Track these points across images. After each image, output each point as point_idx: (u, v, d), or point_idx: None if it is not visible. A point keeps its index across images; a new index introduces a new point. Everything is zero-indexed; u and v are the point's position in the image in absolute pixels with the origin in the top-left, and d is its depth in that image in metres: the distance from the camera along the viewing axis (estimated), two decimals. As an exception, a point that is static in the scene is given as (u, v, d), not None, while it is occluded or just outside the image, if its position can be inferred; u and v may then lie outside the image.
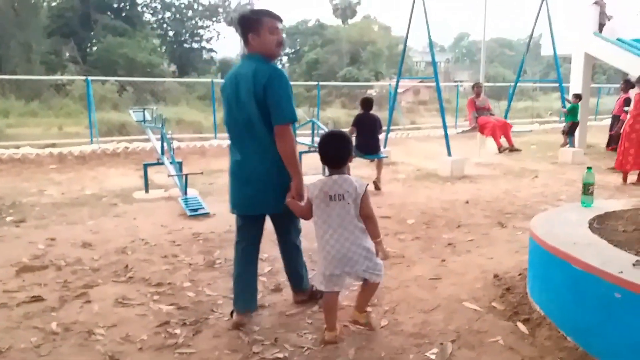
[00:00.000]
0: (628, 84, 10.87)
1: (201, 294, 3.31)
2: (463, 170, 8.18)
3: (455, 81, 32.63)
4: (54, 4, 27.86)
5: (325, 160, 2.65)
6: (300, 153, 7.94)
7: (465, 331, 2.70)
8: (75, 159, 9.20)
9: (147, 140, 9.92)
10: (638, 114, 7.10)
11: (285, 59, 38.09)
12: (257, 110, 2.64)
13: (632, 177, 7.32)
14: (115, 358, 2.46)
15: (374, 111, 7.11)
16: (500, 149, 9.27)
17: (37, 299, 3.17)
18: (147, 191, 6.49)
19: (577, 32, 11.04)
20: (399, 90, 12.57)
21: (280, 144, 2.65)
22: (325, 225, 2.57)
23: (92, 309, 3.03)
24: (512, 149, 9.30)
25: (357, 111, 7.30)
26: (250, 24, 2.73)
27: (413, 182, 7.72)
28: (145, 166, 6.57)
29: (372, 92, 30.22)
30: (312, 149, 8.24)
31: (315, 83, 15.77)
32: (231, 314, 2.89)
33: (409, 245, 4.41)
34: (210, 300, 3.21)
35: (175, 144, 6.76)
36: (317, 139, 8.84)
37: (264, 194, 2.76)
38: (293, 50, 38.93)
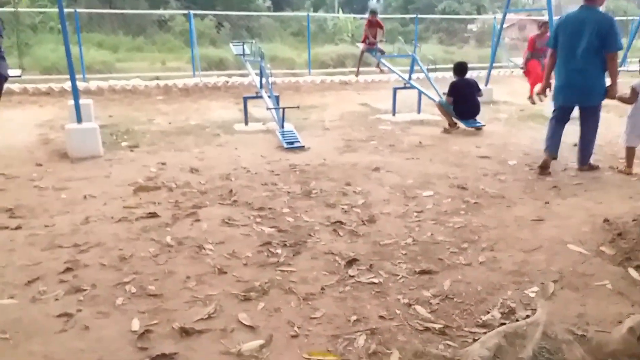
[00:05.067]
0: None
1: (299, 219, 3.44)
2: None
3: (568, 15, 29.54)
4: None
5: None
6: (395, 89, 7.78)
7: (569, 273, 2.60)
8: (180, 91, 9.71)
9: (246, 75, 10.21)
10: None
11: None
12: (596, 43, 4.26)
13: None
14: (223, 271, 2.66)
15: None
16: (531, 100, 8.49)
17: (153, 215, 3.48)
18: (246, 123, 6.74)
19: None
20: (504, 25, 11.66)
21: (611, 63, 4.32)
22: None
23: (201, 227, 3.28)
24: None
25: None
26: None
27: (516, 122, 7.32)
28: (245, 99, 6.79)
29: (472, 27, 28.34)
30: (407, 85, 8.02)
31: (412, 16, 15.06)
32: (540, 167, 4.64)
33: (509, 186, 4.24)
34: (307, 225, 3.33)
35: (271, 78, 6.86)
36: (415, 76, 8.58)
37: (586, 92, 4.45)
38: (389, -17, 37.12)
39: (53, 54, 12.64)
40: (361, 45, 10.92)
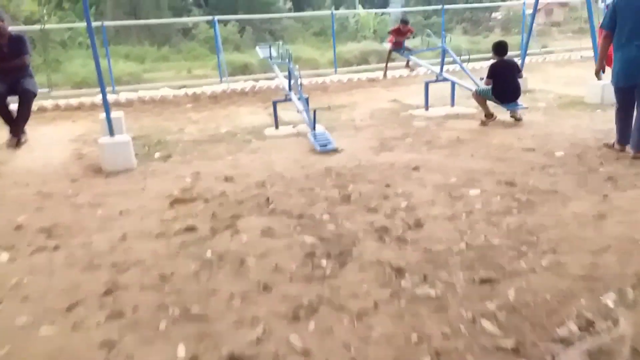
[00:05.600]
0: None
1: (341, 226, 3.28)
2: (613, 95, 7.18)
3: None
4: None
5: None
6: (427, 82, 7.53)
7: (647, 276, 2.36)
8: (208, 99, 9.66)
9: (272, 78, 10.11)
10: None
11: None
12: None
13: None
14: (267, 287, 2.52)
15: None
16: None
17: (191, 228, 3.36)
18: (277, 128, 6.61)
19: None
20: (529, 10, 11.38)
21: None
22: None
23: (241, 239, 3.15)
24: None
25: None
26: None
27: (556, 110, 6.98)
28: (275, 103, 6.66)
29: (497, 15, 27.62)
30: (440, 79, 7.76)
31: (438, 7, 14.71)
32: (612, 145, 4.76)
33: (560, 180, 3.99)
34: (350, 233, 3.17)
35: (299, 80, 6.70)
36: (445, 68, 8.30)
37: None
38: (410, -24, 36.58)
39: (83, 68, 12.82)
40: (388, 45, 10.69)
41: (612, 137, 4.92)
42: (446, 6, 14.47)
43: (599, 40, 6.85)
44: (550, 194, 3.68)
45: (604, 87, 6.93)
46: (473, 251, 2.80)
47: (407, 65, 10.79)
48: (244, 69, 14.69)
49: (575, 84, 8.58)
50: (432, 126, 6.45)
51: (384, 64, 11.27)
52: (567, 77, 9.86)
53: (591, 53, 9.61)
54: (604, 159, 4.49)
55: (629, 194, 3.56)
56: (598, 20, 7.60)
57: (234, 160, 5.23)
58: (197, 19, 19.74)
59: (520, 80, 6.52)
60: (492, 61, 6.54)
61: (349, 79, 11.14)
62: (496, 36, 21.82)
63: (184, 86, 10.88)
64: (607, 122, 5.79)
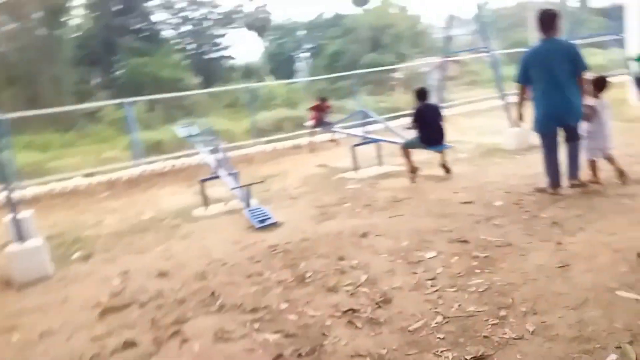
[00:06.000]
0: None
1: (304, 315, 2.97)
2: (528, 141, 7.61)
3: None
4: (75, 35, 28.16)
5: None
6: (354, 145, 7.56)
7: (639, 327, 2.26)
8: (125, 184, 9.05)
9: (192, 155, 9.76)
10: None
11: (307, 54, 37.67)
12: (569, 67, 4.58)
13: None
14: (237, 407, 2.13)
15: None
16: None
17: (130, 344, 2.89)
18: (206, 207, 6.22)
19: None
20: (426, 68, 12.21)
21: (581, 81, 4.66)
22: (602, 123, 4.84)
23: (193, 349, 2.73)
24: None
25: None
26: (558, 18, 4.66)
27: (479, 159, 7.23)
28: (202, 182, 6.31)
29: (397, 75, 29.48)
30: (366, 141, 7.84)
31: (344, 74, 15.40)
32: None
33: (509, 231, 3.97)
34: (316, 322, 2.86)
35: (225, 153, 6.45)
36: (369, 128, 8.43)
37: (571, 113, 4.65)
38: (313, 45, 38.40)
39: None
40: (310, 123, 10.87)
41: (540, 181, 5.09)
42: (352, 71, 15.21)
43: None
44: (505, 248, 3.62)
45: (518, 133, 7.34)
46: (452, 324, 2.60)
47: (332, 140, 10.92)
48: (156, 148, 14.17)
49: (488, 133, 9.03)
50: (366, 188, 6.39)
51: (302, 131, 11.40)
52: (479, 127, 10.38)
53: (494, 103, 10.36)
54: (541, 204, 4.57)
55: (579, 238, 3.58)
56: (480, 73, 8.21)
57: (165, 251, 4.76)
58: (105, 103, 19.07)
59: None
60: (414, 107, 6.64)
61: (273, 148, 11.02)
62: (398, 94, 23.12)
63: (96, 173, 10.16)
64: (530, 167, 6.04)
